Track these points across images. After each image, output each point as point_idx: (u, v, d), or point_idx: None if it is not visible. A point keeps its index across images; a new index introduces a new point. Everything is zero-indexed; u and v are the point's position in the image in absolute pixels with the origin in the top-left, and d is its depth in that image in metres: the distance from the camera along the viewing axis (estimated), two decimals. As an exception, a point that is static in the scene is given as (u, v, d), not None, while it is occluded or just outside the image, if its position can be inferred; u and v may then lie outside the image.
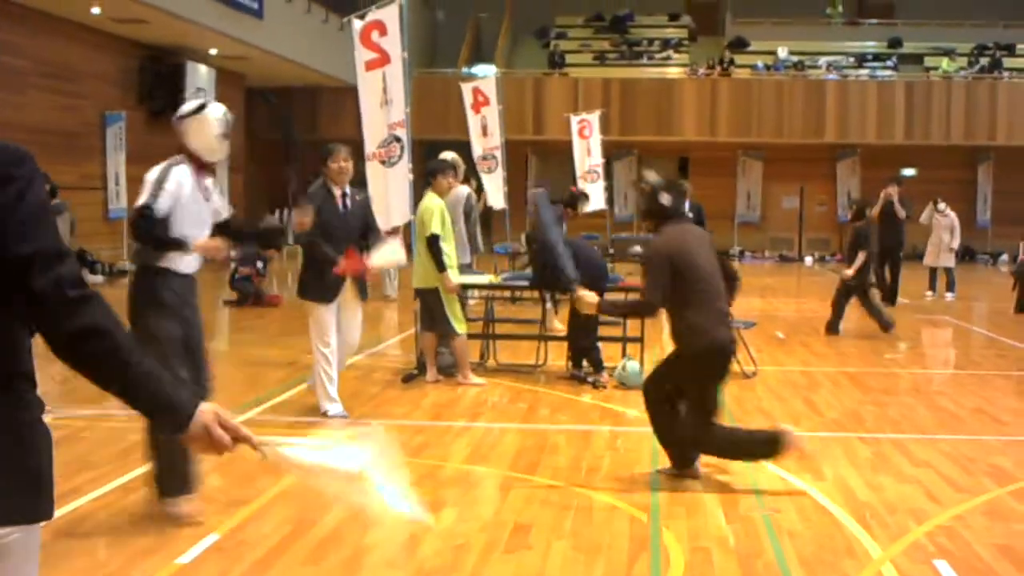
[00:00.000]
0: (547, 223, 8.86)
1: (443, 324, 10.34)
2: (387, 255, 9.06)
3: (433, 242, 10.16)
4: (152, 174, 6.03)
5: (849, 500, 6.69)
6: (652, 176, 6.92)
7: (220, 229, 6.35)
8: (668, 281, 6.92)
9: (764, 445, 7.03)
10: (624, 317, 7.37)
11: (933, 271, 20.62)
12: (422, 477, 7.19)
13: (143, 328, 5.80)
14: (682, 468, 7.19)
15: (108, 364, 2.52)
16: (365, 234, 9.01)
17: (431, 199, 10.37)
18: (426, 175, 10.77)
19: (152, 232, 5.93)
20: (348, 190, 8.99)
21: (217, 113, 6.21)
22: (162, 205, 5.92)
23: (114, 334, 2.49)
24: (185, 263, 6.07)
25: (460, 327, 10.48)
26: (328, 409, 8.90)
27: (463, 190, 11.67)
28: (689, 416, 7.08)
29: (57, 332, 2.46)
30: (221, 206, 6.42)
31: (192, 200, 6.07)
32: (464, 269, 11.32)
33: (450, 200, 10.83)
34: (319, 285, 8.76)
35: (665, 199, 7.18)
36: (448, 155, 11.65)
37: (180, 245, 5.97)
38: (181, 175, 6.05)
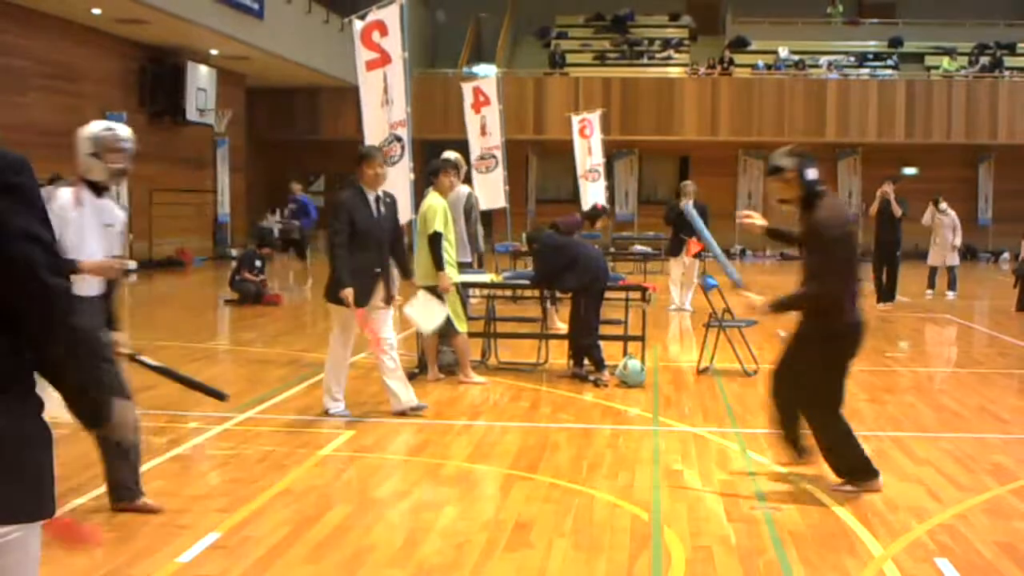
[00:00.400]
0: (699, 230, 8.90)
1: (445, 323, 10.33)
2: (426, 315, 9.22)
3: (435, 240, 10.15)
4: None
5: (850, 498, 6.68)
6: (781, 159, 6.49)
7: None
8: (841, 263, 6.59)
9: (863, 464, 6.81)
10: (794, 310, 6.85)
11: (933, 269, 20.61)
12: (423, 476, 7.20)
13: None
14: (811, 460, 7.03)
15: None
16: (397, 236, 9.20)
17: (434, 198, 10.37)
18: (428, 174, 10.76)
19: None
20: (381, 194, 9.03)
21: (88, 131, 5.97)
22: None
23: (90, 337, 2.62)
24: (85, 286, 5.80)
25: (461, 326, 10.48)
26: (330, 408, 8.95)
27: (463, 189, 11.67)
28: (816, 403, 6.75)
29: (44, 331, 2.52)
30: (120, 240, 6.13)
31: (76, 221, 5.82)
32: (464, 268, 11.31)
33: (450, 199, 10.83)
34: (355, 289, 8.82)
35: (812, 173, 6.80)
36: (450, 154, 11.64)
37: (69, 266, 5.59)
38: (61, 197, 5.83)
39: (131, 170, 6.15)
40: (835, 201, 6.93)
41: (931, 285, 20.54)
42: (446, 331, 10.43)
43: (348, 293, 8.63)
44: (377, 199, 8.95)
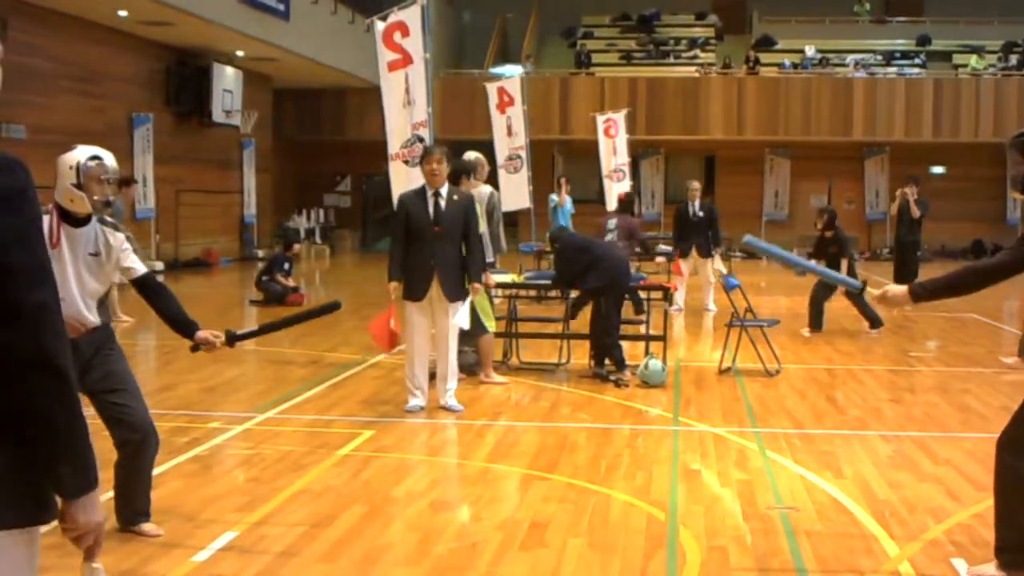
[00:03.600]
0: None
1: (473, 322, 10.34)
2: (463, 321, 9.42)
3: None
4: None
5: (868, 498, 6.66)
6: None
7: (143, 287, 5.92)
8: None
9: None
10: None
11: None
12: (440, 476, 7.22)
13: None
14: None
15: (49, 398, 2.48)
16: (466, 235, 9.27)
17: None
18: (452, 175, 10.75)
19: None
20: (444, 191, 9.11)
21: (72, 159, 5.52)
22: None
23: (68, 374, 2.48)
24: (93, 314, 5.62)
25: (490, 325, 10.54)
26: (408, 402, 9.20)
27: (485, 189, 11.67)
28: None
29: (23, 347, 2.43)
30: (122, 265, 5.76)
31: (54, 255, 5.35)
32: (489, 268, 11.32)
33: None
34: (406, 284, 9.14)
35: None
36: (472, 155, 11.67)
37: None
38: None
39: (115, 200, 5.78)
40: None
41: None
42: (473, 331, 10.45)
43: (391, 287, 9.07)
44: (436, 195, 9.06)
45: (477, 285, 9.43)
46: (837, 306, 15.07)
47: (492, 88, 20.45)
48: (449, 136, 29.30)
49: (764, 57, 34.75)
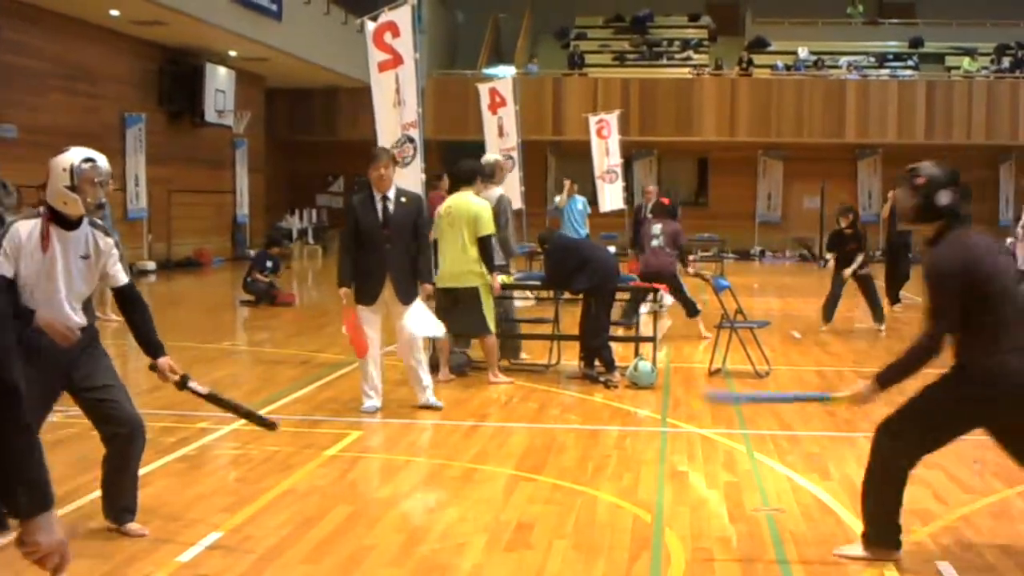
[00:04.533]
0: None
1: (479, 323, 10.42)
2: (421, 323, 9.39)
3: (487, 242, 10.32)
4: None
5: (855, 500, 6.58)
6: (928, 166, 5.42)
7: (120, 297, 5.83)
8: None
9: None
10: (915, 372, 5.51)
11: None
12: (427, 477, 7.21)
13: None
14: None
15: None
16: (416, 236, 9.28)
17: (476, 199, 10.41)
18: (466, 176, 10.72)
19: None
20: (391, 194, 9.13)
21: (66, 161, 5.49)
22: (4, 269, 5.37)
23: (16, 388, 2.43)
24: (77, 316, 5.60)
25: (494, 326, 10.59)
26: (363, 403, 9.20)
27: (495, 192, 11.64)
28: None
29: None
30: (102, 270, 5.71)
31: (39, 258, 5.44)
32: (502, 271, 11.37)
33: None
34: (357, 288, 9.15)
35: (944, 198, 5.35)
36: (491, 158, 11.78)
37: (24, 317, 5.33)
38: (18, 233, 5.43)
39: (107, 203, 5.76)
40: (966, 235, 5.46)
41: None
42: (479, 332, 10.51)
43: (343, 292, 9.10)
44: (385, 199, 9.06)
45: (429, 286, 9.50)
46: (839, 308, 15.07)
47: (484, 88, 20.42)
48: (441, 136, 29.35)
49: (757, 59, 34.76)
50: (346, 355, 12.15)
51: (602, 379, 10.64)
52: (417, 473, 7.28)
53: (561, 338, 11.79)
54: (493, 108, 20.08)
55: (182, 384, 5.91)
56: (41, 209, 5.54)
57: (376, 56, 11.63)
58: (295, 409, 9.30)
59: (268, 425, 6.20)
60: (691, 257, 16.09)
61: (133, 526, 5.82)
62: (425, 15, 30.14)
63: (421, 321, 9.33)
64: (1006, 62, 34.26)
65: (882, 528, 5.53)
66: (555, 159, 33.51)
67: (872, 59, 35.36)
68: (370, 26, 11.64)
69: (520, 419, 9.10)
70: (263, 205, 30.75)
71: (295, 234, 31.58)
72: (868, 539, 5.57)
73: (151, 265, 23.67)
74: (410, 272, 9.21)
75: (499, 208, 11.24)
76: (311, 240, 31.71)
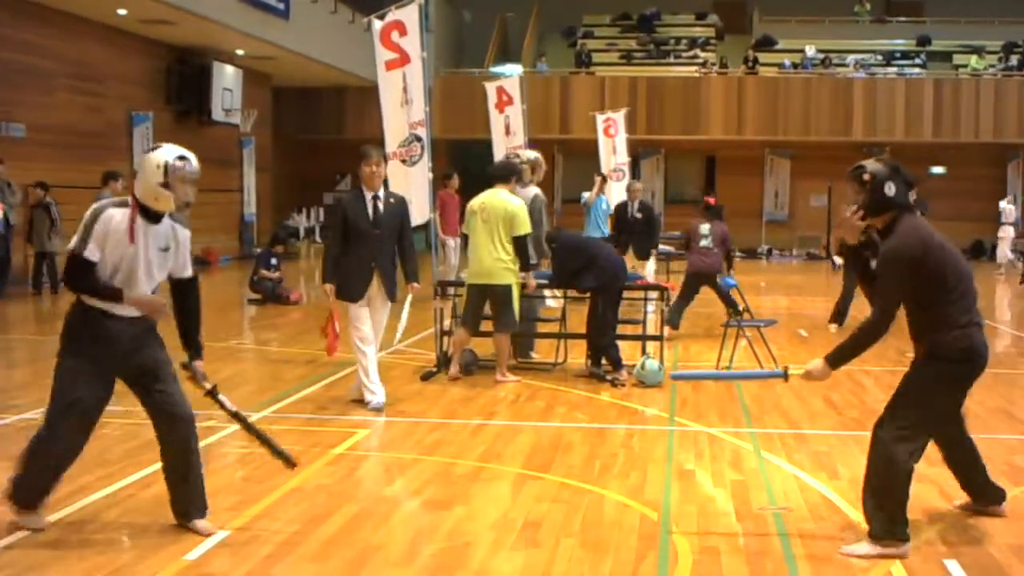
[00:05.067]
0: None
1: (509, 320, 10.54)
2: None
3: (523, 241, 10.40)
4: (87, 214, 5.62)
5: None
6: (871, 163, 5.82)
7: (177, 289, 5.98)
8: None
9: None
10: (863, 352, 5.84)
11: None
12: (434, 475, 7.20)
13: (58, 356, 5.68)
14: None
15: None
16: (401, 237, 9.38)
17: (512, 198, 10.48)
18: (502, 173, 10.75)
19: (81, 280, 5.57)
20: (381, 194, 9.22)
21: (160, 158, 5.61)
22: (91, 251, 5.53)
23: None
24: (121, 307, 5.67)
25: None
26: (369, 400, 9.19)
27: (531, 190, 11.64)
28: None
29: None
30: (176, 262, 5.89)
31: (124, 247, 5.58)
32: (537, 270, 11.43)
33: None
34: (344, 285, 9.16)
35: (890, 189, 5.74)
36: (531, 155, 11.78)
37: (112, 295, 5.55)
38: (112, 218, 5.56)
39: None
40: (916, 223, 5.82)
41: None
42: (507, 328, 10.61)
43: (325, 289, 9.18)
44: (376, 198, 9.17)
45: (416, 285, 9.63)
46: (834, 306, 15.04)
47: (491, 87, 20.45)
48: (448, 135, 29.39)
49: (764, 57, 34.73)
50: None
51: (609, 378, 10.65)
52: (424, 471, 7.28)
53: (568, 336, 11.79)
54: (500, 107, 20.12)
55: (212, 394, 5.97)
56: (128, 199, 5.65)
57: (383, 55, 11.66)
58: (302, 408, 9.30)
59: (287, 460, 6.14)
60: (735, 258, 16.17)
61: (202, 524, 5.87)
62: (432, 14, 30.15)
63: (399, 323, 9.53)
64: (1014, 60, 34.20)
65: (892, 523, 5.63)
66: (562, 158, 33.52)
67: (879, 57, 35.33)
68: (377, 25, 11.66)
69: (527, 418, 9.10)
70: (270, 204, 30.77)
71: (302, 232, 31.60)
72: (875, 536, 5.64)
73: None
74: (395, 270, 9.37)
75: (534, 207, 11.28)
76: (318, 239, 31.71)
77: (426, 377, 10.72)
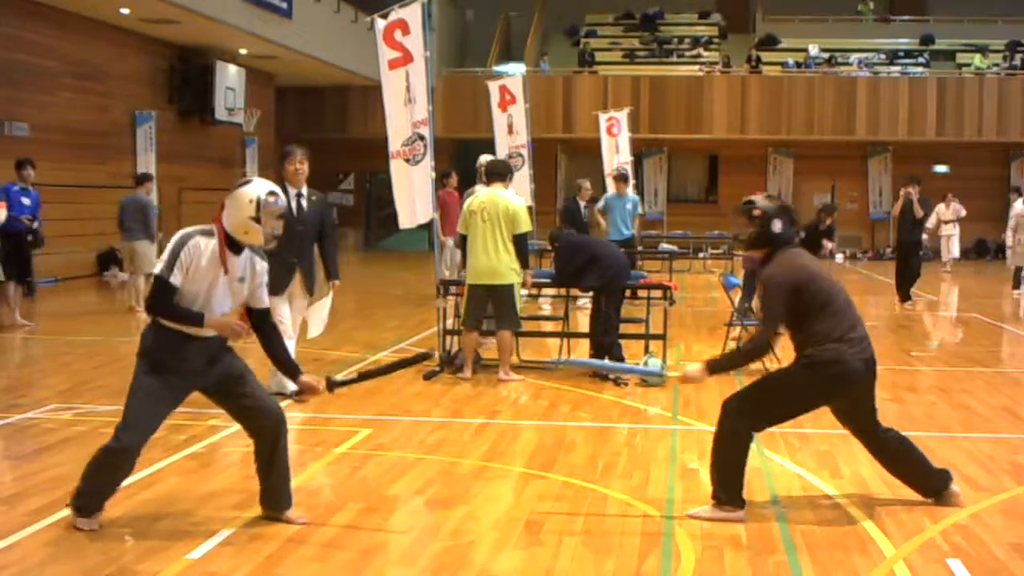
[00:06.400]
0: None
1: (512, 319, 10.61)
2: (316, 319, 9.87)
3: (523, 240, 10.48)
4: (173, 240, 5.73)
5: (865, 498, 6.65)
6: (761, 200, 6.36)
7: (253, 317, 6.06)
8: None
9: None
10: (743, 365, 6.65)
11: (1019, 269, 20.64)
12: (437, 474, 7.20)
13: (137, 375, 5.79)
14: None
15: None
16: (323, 235, 9.68)
17: (511, 196, 10.57)
18: (499, 171, 10.82)
19: (163, 304, 5.70)
20: (304, 191, 9.46)
21: (253, 193, 5.75)
22: (175, 277, 5.66)
23: None
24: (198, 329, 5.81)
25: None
26: (287, 388, 9.12)
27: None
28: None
29: None
30: (254, 292, 5.99)
31: (206, 275, 5.72)
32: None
33: None
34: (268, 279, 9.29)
35: (777, 226, 6.28)
36: (488, 157, 11.86)
37: (193, 320, 5.70)
38: (198, 248, 5.69)
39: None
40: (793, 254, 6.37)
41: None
42: (510, 327, 10.68)
43: None
44: (299, 196, 9.40)
45: (337, 282, 9.90)
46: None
47: (494, 86, 20.43)
48: (451, 134, 29.37)
49: (768, 56, 34.69)
50: (360, 352, 12.21)
51: (612, 377, 10.64)
52: (427, 471, 7.27)
53: (571, 335, 11.79)
54: (503, 106, 20.09)
55: (332, 385, 6.11)
56: (213, 228, 5.76)
57: (386, 54, 11.63)
58: (305, 406, 9.29)
59: (424, 357, 6.60)
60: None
61: (292, 513, 6.02)
62: (435, 13, 30.14)
63: (319, 317, 9.78)
64: (1017, 59, 34.15)
65: (732, 489, 6.25)
66: (565, 157, 33.51)
67: (883, 56, 35.29)
68: (380, 24, 11.64)
69: (530, 417, 9.10)
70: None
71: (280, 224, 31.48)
72: (719, 499, 6.24)
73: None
74: (315, 267, 9.64)
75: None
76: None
77: (429, 376, 10.72)
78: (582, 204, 17.19)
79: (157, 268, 5.70)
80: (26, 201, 13.83)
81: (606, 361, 10.32)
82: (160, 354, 5.77)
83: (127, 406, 5.77)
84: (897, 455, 6.57)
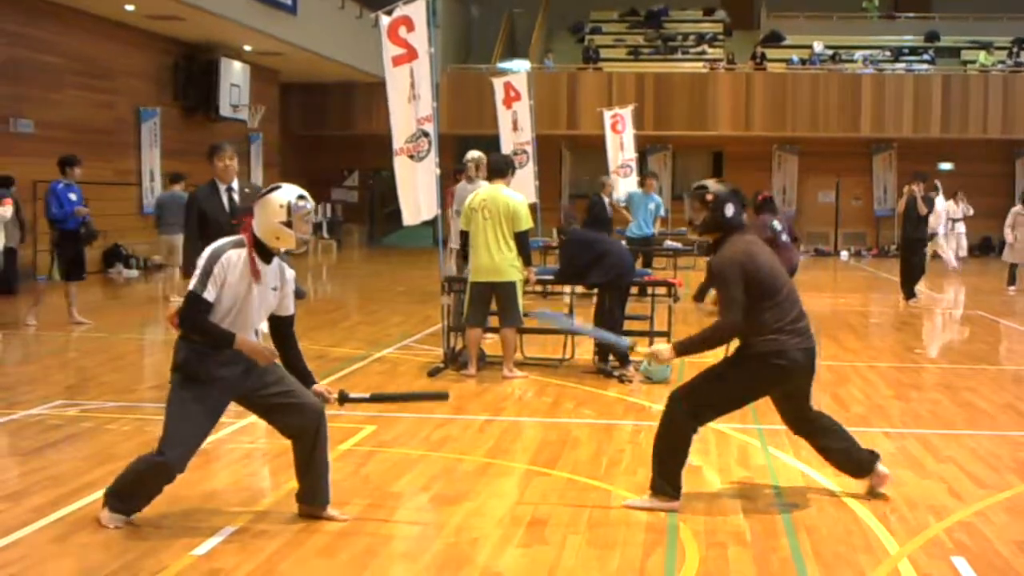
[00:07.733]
0: None
1: (515, 316, 10.61)
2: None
3: (524, 237, 10.51)
4: (204, 255, 5.71)
5: (869, 495, 6.64)
6: (714, 184, 6.47)
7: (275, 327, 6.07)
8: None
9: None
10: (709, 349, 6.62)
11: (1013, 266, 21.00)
12: (441, 471, 7.20)
13: (174, 390, 5.78)
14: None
15: None
16: None
17: (512, 194, 10.63)
18: (500, 167, 10.86)
19: (197, 320, 5.66)
20: (235, 185, 9.62)
21: (283, 198, 5.72)
22: (209, 292, 5.62)
23: None
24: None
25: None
26: None
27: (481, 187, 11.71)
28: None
29: None
30: (282, 301, 5.98)
31: (241, 288, 5.69)
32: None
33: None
34: None
35: (729, 210, 6.38)
36: (474, 153, 11.81)
37: (225, 340, 5.66)
38: (230, 260, 5.66)
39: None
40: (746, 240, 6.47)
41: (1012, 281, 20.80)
42: (514, 323, 10.68)
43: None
44: (229, 190, 9.56)
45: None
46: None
47: (499, 83, 20.43)
48: (455, 131, 29.34)
49: (772, 53, 34.64)
50: (364, 349, 12.21)
51: (616, 373, 10.65)
52: (432, 468, 7.28)
53: (575, 332, 11.77)
54: (508, 102, 20.09)
55: (344, 400, 6.12)
56: (243, 238, 5.74)
57: (391, 50, 11.62)
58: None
59: (441, 397, 6.62)
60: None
61: (332, 511, 6.03)
62: (440, 9, 30.10)
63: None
64: (1023, 56, 34.09)
65: (669, 481, 6.32)
66: (569, 153, 33.51)
67: (887, 53, 35.23)
68: (385, 20, 11.63)
69: (534, 414, 9.10)
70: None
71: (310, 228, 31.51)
72: (656, 489, 6.32)
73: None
74: None
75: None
76: (326, 234, 31.69)
77: (433, 373, 10.72)
78: (607, 200, 17.27)
79: (191, 284, 5.67)
80: (73, 197, 13.96)
81: (596, 330, 10.06)
82: (193, 366, 5.73)
83: (167, 421, 5.74)
84: (831, 438, 6.66)
